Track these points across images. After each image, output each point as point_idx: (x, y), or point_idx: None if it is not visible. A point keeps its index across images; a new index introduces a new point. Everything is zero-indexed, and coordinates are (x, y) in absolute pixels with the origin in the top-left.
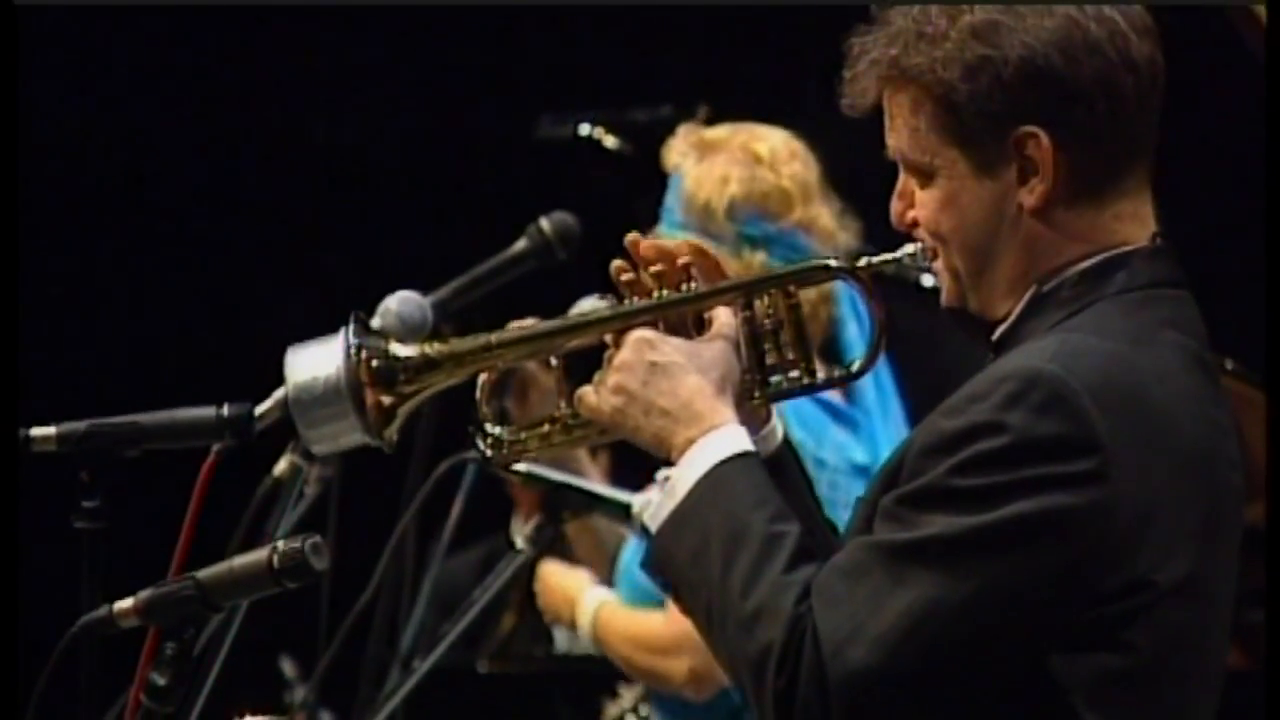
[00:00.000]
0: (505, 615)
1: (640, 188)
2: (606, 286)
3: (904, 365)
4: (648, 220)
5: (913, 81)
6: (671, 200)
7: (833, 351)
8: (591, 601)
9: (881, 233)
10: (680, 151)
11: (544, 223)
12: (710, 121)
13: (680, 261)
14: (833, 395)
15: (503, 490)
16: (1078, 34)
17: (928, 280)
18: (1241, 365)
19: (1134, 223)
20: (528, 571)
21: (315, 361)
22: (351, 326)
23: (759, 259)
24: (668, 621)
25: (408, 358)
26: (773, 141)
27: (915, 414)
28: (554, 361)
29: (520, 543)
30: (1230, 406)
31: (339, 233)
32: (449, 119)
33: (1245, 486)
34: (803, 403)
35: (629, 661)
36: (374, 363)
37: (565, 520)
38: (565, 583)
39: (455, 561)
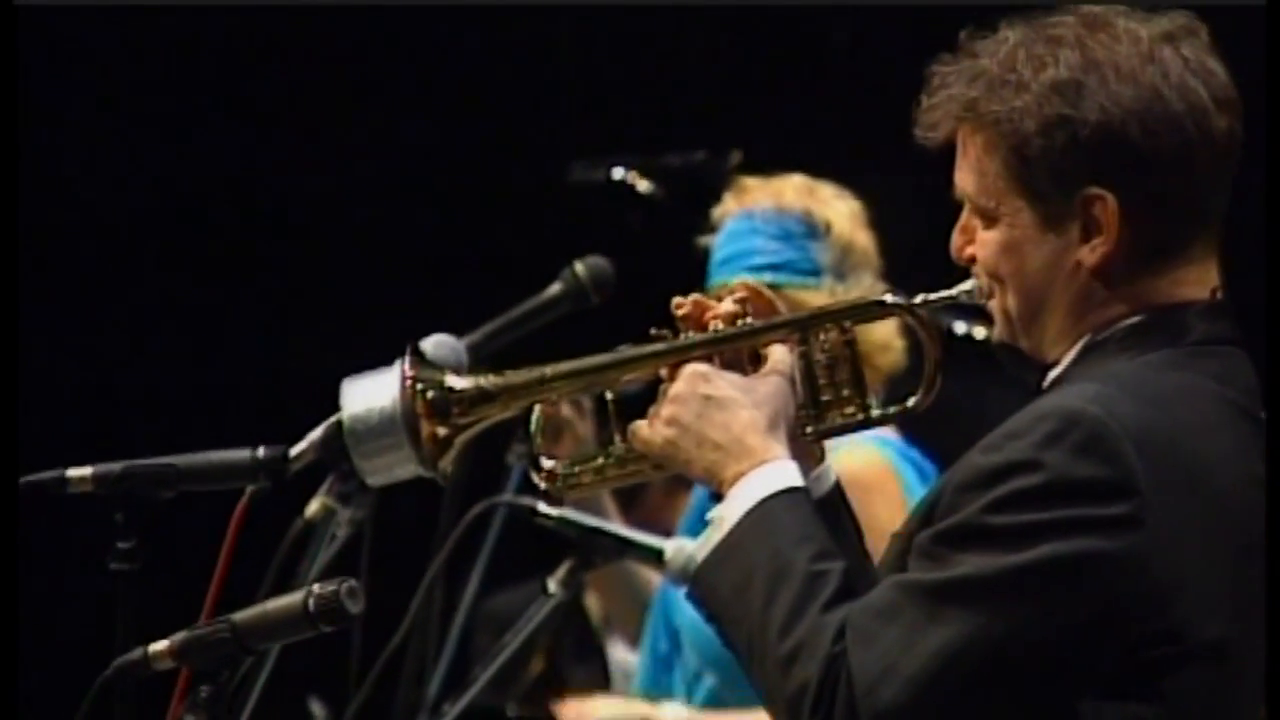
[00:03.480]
0: (535, 659)
1: (674, 232)
2: (639, 331)
3: (937, 413)
4: (686, 266)
5: (988, 126)
6: (800, 247)
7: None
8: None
9: (905, 280)
10: (797, 192)
11: (578, 267)
12: (742, 167)
13: (737, 297)
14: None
15: (537, 533)
16: (1158, 106)
17: (960, 328)
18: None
19: (1195, 286)
20: (558, 616)
21: (371, 393)
22: (407, 359)
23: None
24: None
25: (463, 390)
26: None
27: (947, 463)
28: (586, 406)
29: (552, 587)
30: None
31: (373, 277)
32: (482, 164)
33: None
34: (906, 468)
35: None
36: (429, 394)
37: (597, 565)
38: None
39: (512, 595)
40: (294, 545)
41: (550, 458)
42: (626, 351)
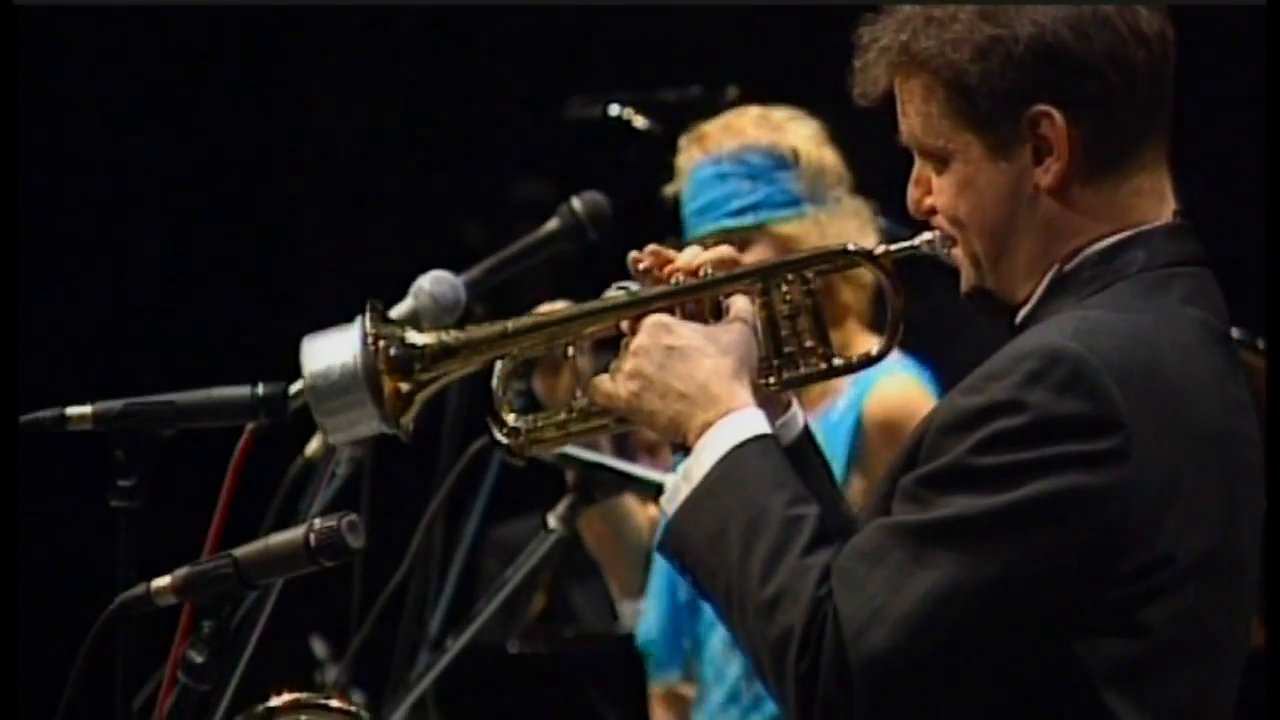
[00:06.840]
0: (536, 595)
1: (670, 168)
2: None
3: (941, 345)
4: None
5: (923, 66)
6: (771, 180)
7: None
8: None
9: (899, 217)
10: (756, 125)
11: (575, 203)
12: (739, 102)
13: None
14: None
15: (537, 470)
16: (1086, 10)
17: None
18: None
19: (1153, 198)
20: (559, 552)
21: (332, 350)
22: (368, 315)
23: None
24: None
25: (424, 345)
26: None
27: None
28: (584, 347)
29: (552, 522)
30: (1247, 385)
31: (370, 215)
32: (478, 100)
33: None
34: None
35: None
36: (391, 350)
37: (597, 500)
38: None
39: (521, 524)
40: (295, 483)
41: (530, 404)
42: (587, 305)
